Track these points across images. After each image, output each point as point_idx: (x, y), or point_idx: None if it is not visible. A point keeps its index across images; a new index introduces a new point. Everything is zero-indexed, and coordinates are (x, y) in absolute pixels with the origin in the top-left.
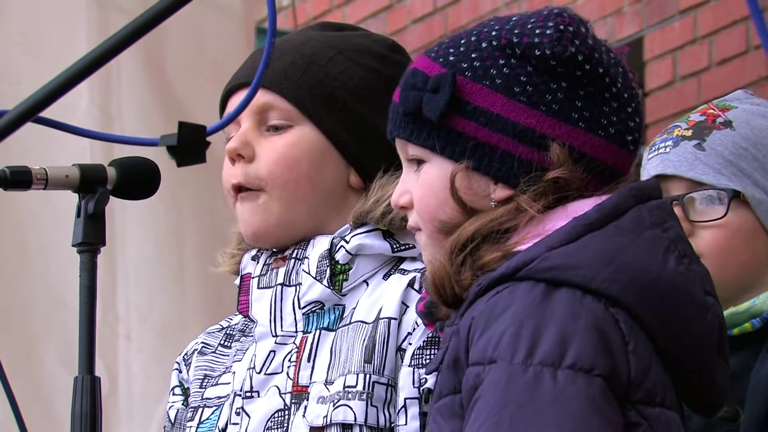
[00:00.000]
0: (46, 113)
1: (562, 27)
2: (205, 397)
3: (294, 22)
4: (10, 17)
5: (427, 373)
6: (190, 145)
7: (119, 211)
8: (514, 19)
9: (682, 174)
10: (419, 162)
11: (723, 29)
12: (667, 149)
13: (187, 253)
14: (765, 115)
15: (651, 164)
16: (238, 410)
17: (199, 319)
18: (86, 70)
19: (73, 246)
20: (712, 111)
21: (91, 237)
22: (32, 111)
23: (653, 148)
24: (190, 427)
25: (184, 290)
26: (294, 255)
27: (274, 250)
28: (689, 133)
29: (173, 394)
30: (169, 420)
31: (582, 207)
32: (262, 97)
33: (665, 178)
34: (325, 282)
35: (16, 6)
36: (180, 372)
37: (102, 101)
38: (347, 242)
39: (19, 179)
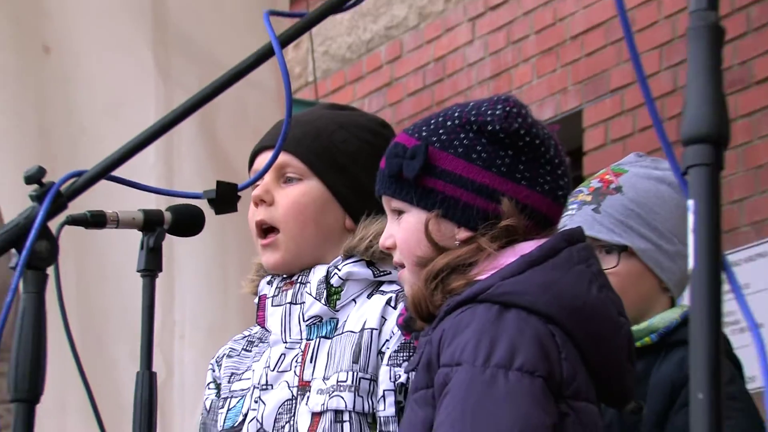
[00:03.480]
0: (126, 164)
1: (507, 109)
2: (232, 390)
3: (316, 94)
4: (100, 89)
5: (406, 372)
6: (225, 198)
7: (177, 242)
8: (471, 104)
9: (595, 235)
10: (400, 213)
11: (644, 105)
12: (573, 212)
13: (229, 275)
14: (650, 177)
15: (562, 222)
16: (256, 399)
17: (236, 324)
18: (154, 136)
19: (137, 272)
20: (608, 177)
21: (151, 265)
22: (109, 169)
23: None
24: (221, 413)
25: (226, 303)
26: (299, 280)
27: (284, 276)
28: (589, 198)
29: (208, 388)
30: (206, 408)
31: (527, 247)
32: (281, 157)
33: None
34: (323, 301)
35: (103, 81)
36: (213, 371)
37: (166, 157)
38: (339, 270)
39: (97, 220)
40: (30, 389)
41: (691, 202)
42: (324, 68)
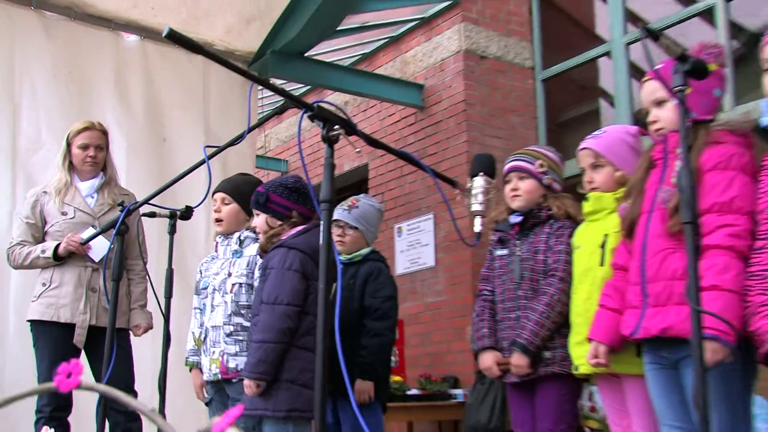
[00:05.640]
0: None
1: (295, 178)
2: (205, 274)
3: (266, 153)
4: (188, 156)
5: (260, 270)
6: (188, 212)
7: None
8: (285, 176)
9: (344, 219)
10: (259, 215)
11: (386, 163)
12: (341, 210)
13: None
14: (368, 204)
15: (339, 214)
16: (212, 278)
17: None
18: (177, 179)
19: (167, 233)
20: (354, 200)
21: (171, 230)
22: (148, 199)
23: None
24: (202, 281)
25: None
26: (228, 237)
27: (224, 235)
28: (347, 207)
29: (198, 274)
30: (197, 282)
31: (300, 227)
32: (223, 195)
33: (337, 221)
34: (236, 245)
35: (189, 153)
36: (201, 266)
37: (217, 177)
38: (243, 234)
39: (152, 215)
40: (117, 276)
41: (323, 223)
42: (274, 146)
